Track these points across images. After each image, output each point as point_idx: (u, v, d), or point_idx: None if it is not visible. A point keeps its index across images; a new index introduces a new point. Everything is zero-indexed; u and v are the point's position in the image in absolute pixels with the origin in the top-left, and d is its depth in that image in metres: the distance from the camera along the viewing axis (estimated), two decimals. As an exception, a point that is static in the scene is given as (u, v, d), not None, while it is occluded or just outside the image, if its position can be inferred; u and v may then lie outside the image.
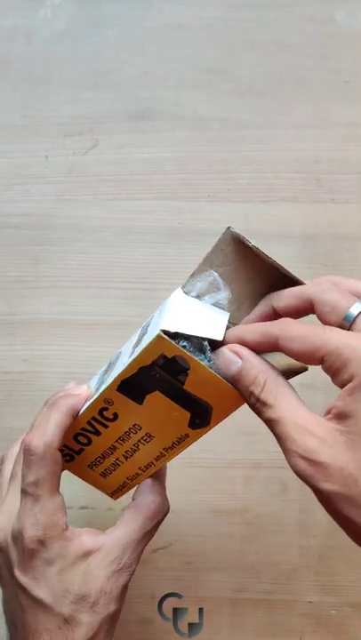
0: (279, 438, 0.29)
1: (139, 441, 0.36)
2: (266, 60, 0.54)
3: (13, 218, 0.54)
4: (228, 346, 0.31)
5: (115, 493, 0.41)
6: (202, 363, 0.30)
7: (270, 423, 0.29)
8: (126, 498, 0.52)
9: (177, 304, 0.33)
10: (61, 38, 0.55)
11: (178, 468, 0.52)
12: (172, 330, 0.30)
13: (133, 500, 0.39)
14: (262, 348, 0.31)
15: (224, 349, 0.31)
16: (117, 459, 0.37)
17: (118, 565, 0.36)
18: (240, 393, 0.31)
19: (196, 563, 0.51)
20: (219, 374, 0.31)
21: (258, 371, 0.30)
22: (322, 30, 0.54)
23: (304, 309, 0.31)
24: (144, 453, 0.37)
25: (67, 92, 0.55)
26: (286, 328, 0.29)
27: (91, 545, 0.36)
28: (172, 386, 0.31)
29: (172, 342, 0.30)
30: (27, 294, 0.53)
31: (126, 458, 0.37)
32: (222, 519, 0.51)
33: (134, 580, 0.51)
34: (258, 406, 0.30)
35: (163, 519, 0.39)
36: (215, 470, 0.51)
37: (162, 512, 0.38)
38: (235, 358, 0.31)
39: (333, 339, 0.28)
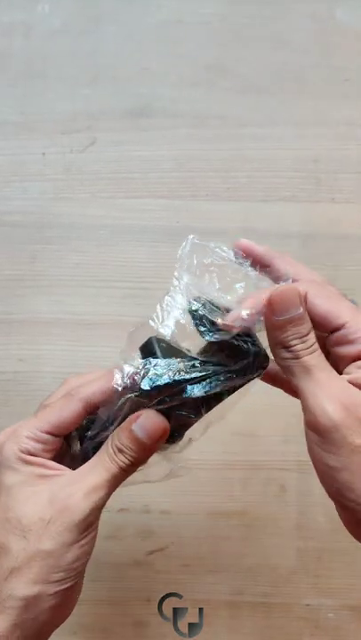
0: (306, 391, 0.29)
1: None
2: (265, 57, 0.53)
3: (10, 216, 0.53)
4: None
5: None
6: None
7: (302, 374, 0.29)
8: (122, 501, 0.51)
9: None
10: (59, 34, 0.54)
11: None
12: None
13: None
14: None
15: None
16: None
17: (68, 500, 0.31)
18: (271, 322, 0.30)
19: (194, 565, 0.50)
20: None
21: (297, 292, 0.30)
22: (322, 27, 0.53)
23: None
24: None
25: (65, 88, 0.54)
26: (318, 288, 0.31)
27: (48, 473, 0.32)
28: None
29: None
30: (23, 293, 0.53)
31: None
32: (220, 521, 0.51)
33: (130, 583, 0.51)
34: (299, 347, 0.29)
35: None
36: (213, 472, 0.51)
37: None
38: (297, 303, 0.30)
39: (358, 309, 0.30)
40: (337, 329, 0.30)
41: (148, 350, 0.32)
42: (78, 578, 0.31)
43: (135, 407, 0.31)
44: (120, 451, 0.31)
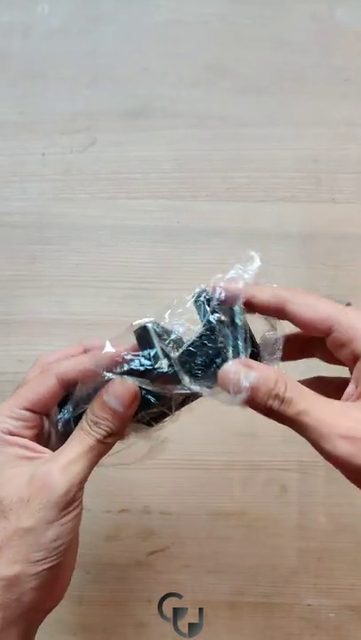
0: (311, 430, 0.28)
1: None
2: (265, 57, 0.53)
3: (10, 216, 0.53)
4: (233, 365, 0.30)
5: None
6: None
7: (299, 417, 0.29)
8: (122, 502, 0.51)
9: None
10: (59, 34, 0.54)
11: (176, 470, 0.51)
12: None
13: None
14: (268, 309, 0.31)
15: (229, 367, 0.30)
16: None
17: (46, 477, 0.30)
18: (255, 403, 0.29)
19: (194, 566, 0.50)
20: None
21: (276, 374, 0.29)
22: (322, 27, 0.53)
23: (279, 310, 0.31)
24: None
25: (64, 88, 0.54)
26: (298, 294, 0.30)
27: (29, 454, 0.32)
28: None
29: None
30: (23, 294, 0.53)
31: None
32: (220, 522, 0.50)
33: (130, 583, 0.51)
34: (282, 407, 0.29)
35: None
36: (213, 472, 0.51)
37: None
38: (247, 370, 0.29)
39: (345, 309, 0.29)
40: (327, 334, 0.30)
41: (143, 335, 0.32)
42: (61, 558, 0.30)
43: None
44: (95, 423, 0.31)
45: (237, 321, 0.31)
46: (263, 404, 0.29)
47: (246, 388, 0.29)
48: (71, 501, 0.30)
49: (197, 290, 0.32)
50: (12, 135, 0.54)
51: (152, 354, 0.31)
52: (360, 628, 0.49)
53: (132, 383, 0.31)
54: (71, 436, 0.31)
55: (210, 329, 0.31)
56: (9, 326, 0.52)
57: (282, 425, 0.51)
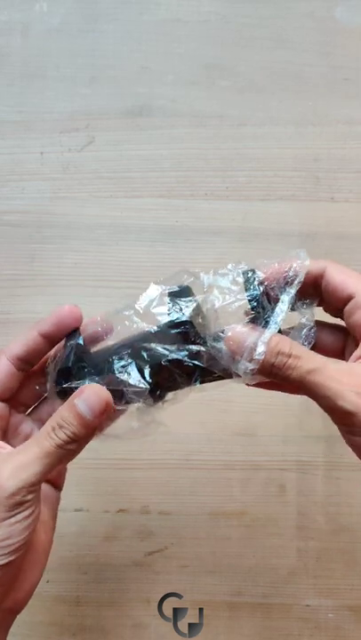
0: (323, 388, 0.29)
1: None
2: (265, 55, 0.53)
3: (8, 215, 0.53)
4: (242, 326, 0.31)
5: None
6: None
7: (309, 376, 0.29)
8: (121, 502, 0.51)
9: None
10: (58, 33, 0.54)
11: (174, 470, 0.51)
12: None
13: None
14: (311, 278, 0.32)
15: (239, 328, 0.31)
16: None
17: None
18: (263, 363, 0.30)
19: (193, 566, 0.50)
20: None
21: (278, 336, 0.30)
22: (321, 26, 0.53)
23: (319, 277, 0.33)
24: None
25: (63, 87, 0.54)
26: (336, 266, 0.32)
27: None
28: None
29: None
30: (22, 293, 0.52)
31: None
32: (219, 522, 0.50)
33: (129, 584, 0.50)
34: (290, 363, 0.29)
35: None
36: (212, 472, 0.51)
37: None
38: (250, 331, 0.30)
39: None
40: (348, 299, 0.31)
41: (182, 293, 0.33)
42: (12, 557, 0.30)
43: (142, 345, 0.32)
44: (60, 426, 0.30)
45: (281, 301, 0.32)
46: (270, 364, 0.29)
47: (249, 351, 0.29)
48: (20, 503, 0.29)
49: (244, 267, 0.33)
50: (10, 134, 0.53)
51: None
52: (359, 628, 0.49)
53: (107, 393, 0.31)
54: (32, 437, 0.31)
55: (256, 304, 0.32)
56: (7, 325, 0.52)
57: (281, 425, 0.51)
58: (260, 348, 0.29)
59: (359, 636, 0.49)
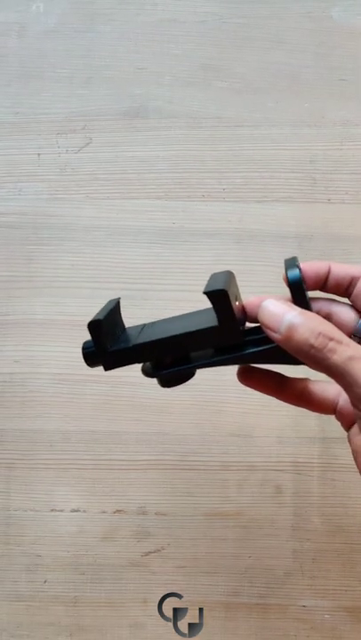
0: (356, 375, 0.27)
1: None
2: (261, 56, 0.53)
3: (5, 217, 0.53)
4: (269, 302, 0.29)
5: None
6: None
7: (351, 362, 0.27)
8: (118, 503, 0.51)
9: None
10: (54, 34, 0.54)
11: (171, 471, 0.51)
12: None
13: None
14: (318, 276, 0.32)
15: (266, 309, 0.29)
16: None
17: None
18: (294, 343, 0.28)
19: (190, 566, 0.50)
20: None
21: (319, 317, 0.28)
22: (318, 27, 0.53)
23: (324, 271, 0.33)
24: None
25: (60, 88, 0.54)
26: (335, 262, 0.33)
27: None
28: None
29: None
30: (19, 294, 0.53)
31: None
32: (216, 522, 0.50)
33: (126, 584, 0.51)
34: (332, 347, 0.27)
35: None
36: (209, 473, 0.51)
37: None
38: (289, 307, 0.29)
39: None
40: (351, 283, 0.31)
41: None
42: None
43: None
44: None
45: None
46: (310, 345, 0.27)
47: (289, 323, 0.28)
48: None
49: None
50: (6, 135, 0.53)
51: None
52: (355, 629, 0.50)
53: None
54: None
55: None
56: (4, 327, 0.52)
57: (277, 426, 0.51)
58: (289, 318, 0.28)
59: (355, 637, 0.49)
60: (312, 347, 0.27)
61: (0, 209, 0.53)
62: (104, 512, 0.51)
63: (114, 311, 0.35)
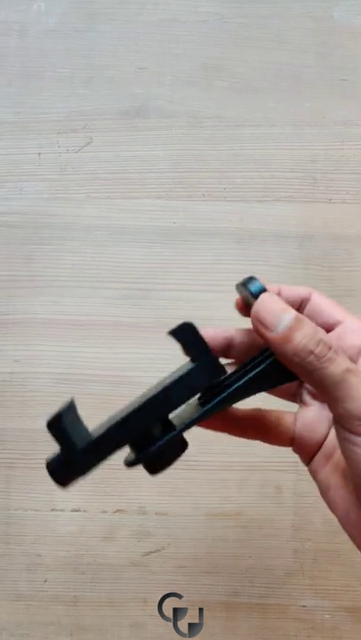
0: (356, 389, 0.25)
1: None
2: (262, 56, 0.53)
3: (6, 216, 0.53)
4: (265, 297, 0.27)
5: None
6: None
7: (348, 374, 0.25)
8: (118, 502, 0.51)
9: None
10: (55, 33, 0.54)
11: (171, 471, 0.51)
12: None
13: None
14: (297, 299, 0.30)
15: (263, 303, 0.27)
16: None
17: None
18: (291, 347, 0.26)
19: (190, 566, 0.50)
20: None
21: (312, 324, 0.26)
22: (319, 26, 0.53)
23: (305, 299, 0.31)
24: None
25: (60, 87, 0.54)
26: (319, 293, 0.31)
27: None
28: None
29: None
30: (19, 294, 0.53)
31: None
32: (216, 522, 0.50)
33: (126, 584, 0.51)
34: (331, 356, 0.25)
35: None
36: (209, 473, 0.51)
37: None
38: (288, 306, 0.26)
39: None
40: (335, 325, 0.29)
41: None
42: None
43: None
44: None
45: None
46: (310, 351, 0.25)
47: (289, 322, 0.26)
48: None
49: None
50: (7, 135, 0.53)
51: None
52: (356, 629, 0.49)
53: None
54: None
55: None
56: (5, 326, 0.52)
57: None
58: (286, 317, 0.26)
59: (355, 638, 0.49)
60: (312, 353, 0.25)
61: (1, 208, 0.53)
62: (104, 512, 0.51)
63: (71, 410, 0.29)
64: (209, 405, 0.28)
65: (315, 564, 0.50)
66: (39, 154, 0.53)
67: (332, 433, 0.30)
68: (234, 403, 0.29)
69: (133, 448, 0.28)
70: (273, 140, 0.52)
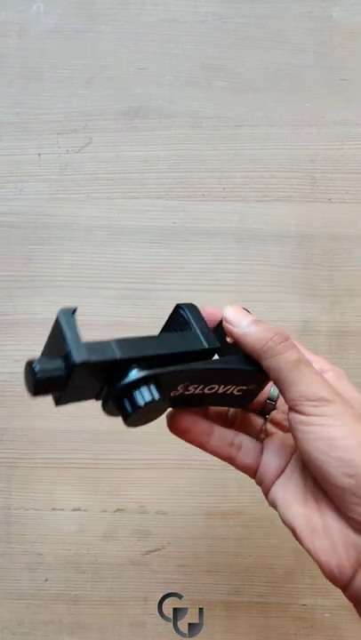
0: (303, 374, 0.29)
1: None
2: (262, 56, 0.53)
3: (6, 216, 0.53)
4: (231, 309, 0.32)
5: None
6: None
7: (297, 363, 0.29)
8: (118, 502, 0.51)
9: None
10: (55, 34, 0.54)
11: (171, 470, 0.51)
12: None
13: None
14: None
15: (231, 308, 0.31)
16: None
17: None
18: (251, 339, 0.30)
19: (190, 565, 0.50)
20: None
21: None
22: (319, 26, 0.53)
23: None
24: None
25: (60, 88, 0.54)
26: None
27: None
28: None
29: None
30: (19, 294, 0.53)
31: None
32: (216, 522, 0.51)
33: (126, 583, 0.51)
34: (287, 344, 0.29)
35: None
36: (209, 472, 0.51)
37: None
38: (246, 314, 0.31)
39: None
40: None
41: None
42: None
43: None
44: None
45: None
46: (266, 337, 0.29)
47: (250, 320, 0.30)
48: None
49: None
50: (7, 135, 0.54)
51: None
52: (355, 628, 0.50)
53: None
54: None
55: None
56: (4, 326, 0.52)
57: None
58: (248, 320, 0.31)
59: (355, 636, 0.49)
60: (270, 340, 0.29)
61: (1, 209, 0.53)
62: (105, 511, 0.51)
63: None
64: (194, 364, 0.30)
65: (314, 564, 0.50)
66: (39, 154, 0.53)
67: (295, 457, 0.32)
68: (212, 401, 0.33)
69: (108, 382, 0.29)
70: (272, 139, 0.53)
